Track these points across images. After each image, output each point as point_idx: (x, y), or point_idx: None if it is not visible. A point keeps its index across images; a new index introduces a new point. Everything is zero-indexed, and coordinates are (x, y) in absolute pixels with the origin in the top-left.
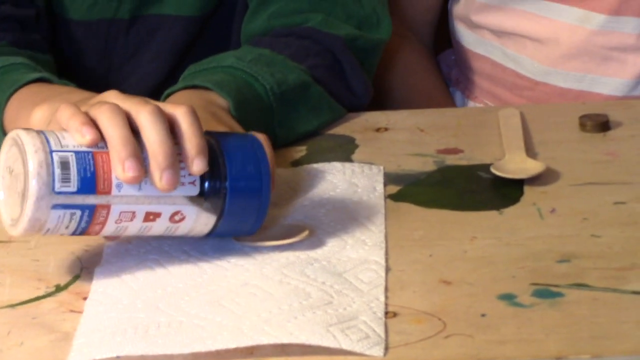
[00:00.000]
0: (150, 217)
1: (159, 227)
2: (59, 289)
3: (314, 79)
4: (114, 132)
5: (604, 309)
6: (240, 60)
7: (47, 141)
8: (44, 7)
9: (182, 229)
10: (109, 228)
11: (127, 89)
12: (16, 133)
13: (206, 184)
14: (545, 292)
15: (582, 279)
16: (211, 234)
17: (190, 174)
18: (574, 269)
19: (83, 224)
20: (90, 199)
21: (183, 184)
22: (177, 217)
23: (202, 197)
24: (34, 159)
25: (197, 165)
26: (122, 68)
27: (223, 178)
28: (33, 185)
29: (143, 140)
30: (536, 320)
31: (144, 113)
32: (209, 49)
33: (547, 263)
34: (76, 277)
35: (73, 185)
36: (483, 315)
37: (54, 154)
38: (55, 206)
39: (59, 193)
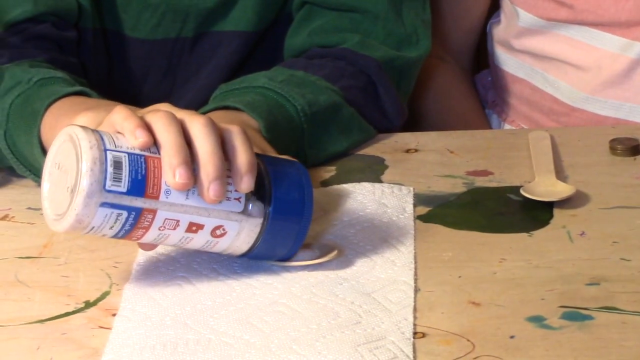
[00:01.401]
0: (193, 228)
1: (199, 240)
2: (88, 305)
3: (346, 100)
4: (168, 138)
5: (633, 333)
6: (271, 81)
7: (102, 139)
8: (100, 28)
9: (221, 245)
10: (151, 234)
11: (187, 104)
12: (72, 129)
13: (250, 204)
14: (575, 315)
15: (612, 302)
16: (247, 254)
17: (236, 190)
18: (604, 292)
19: (127, 227)
20: (138, 202)
21: (229, 199)
22: (218, 232)
23: (245, 215)
24: (89, 155)
25: (246, 182)
26: (185, 85)
27: (267, 200)
28: (85, 181)
29: (195, 150)
30: (565, 343)
31: (197, 123)
32: (262, 62)
33: (577, 286)
34: (106, 294)
35: (123, 186)
36: (512, 337)
37: (108, 152)
38: (104, 204)
39: (109, 191)
